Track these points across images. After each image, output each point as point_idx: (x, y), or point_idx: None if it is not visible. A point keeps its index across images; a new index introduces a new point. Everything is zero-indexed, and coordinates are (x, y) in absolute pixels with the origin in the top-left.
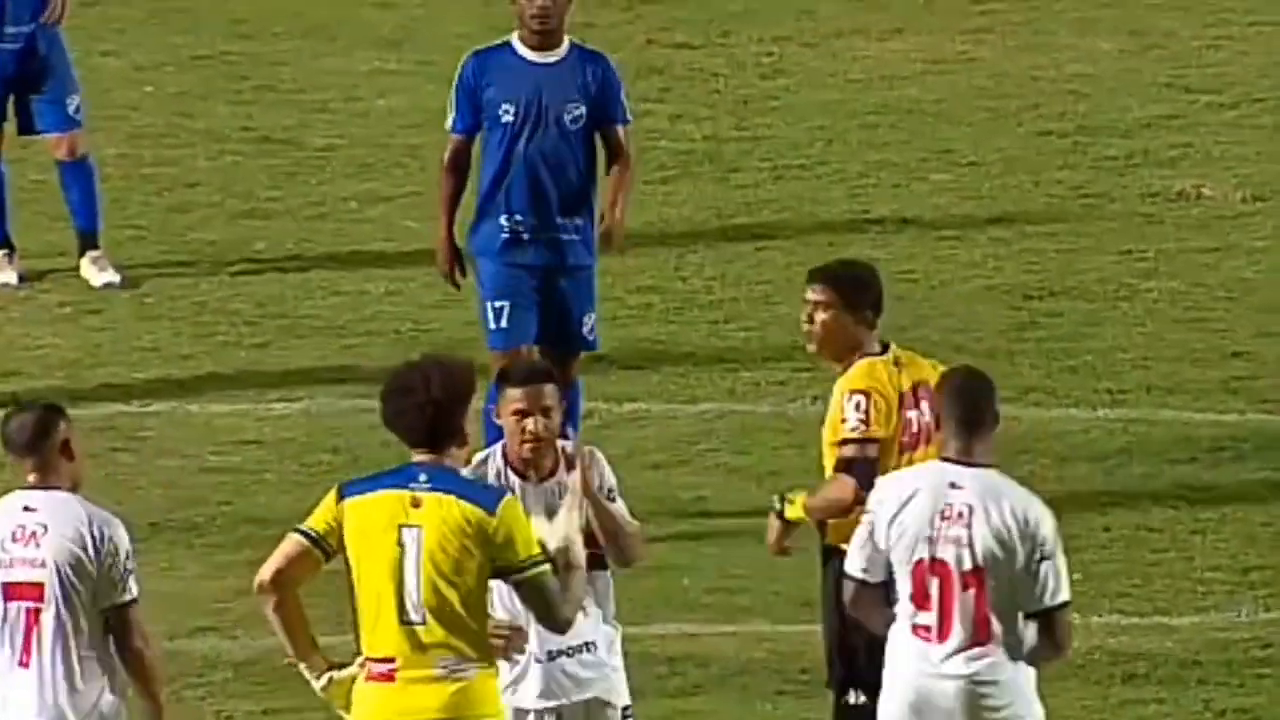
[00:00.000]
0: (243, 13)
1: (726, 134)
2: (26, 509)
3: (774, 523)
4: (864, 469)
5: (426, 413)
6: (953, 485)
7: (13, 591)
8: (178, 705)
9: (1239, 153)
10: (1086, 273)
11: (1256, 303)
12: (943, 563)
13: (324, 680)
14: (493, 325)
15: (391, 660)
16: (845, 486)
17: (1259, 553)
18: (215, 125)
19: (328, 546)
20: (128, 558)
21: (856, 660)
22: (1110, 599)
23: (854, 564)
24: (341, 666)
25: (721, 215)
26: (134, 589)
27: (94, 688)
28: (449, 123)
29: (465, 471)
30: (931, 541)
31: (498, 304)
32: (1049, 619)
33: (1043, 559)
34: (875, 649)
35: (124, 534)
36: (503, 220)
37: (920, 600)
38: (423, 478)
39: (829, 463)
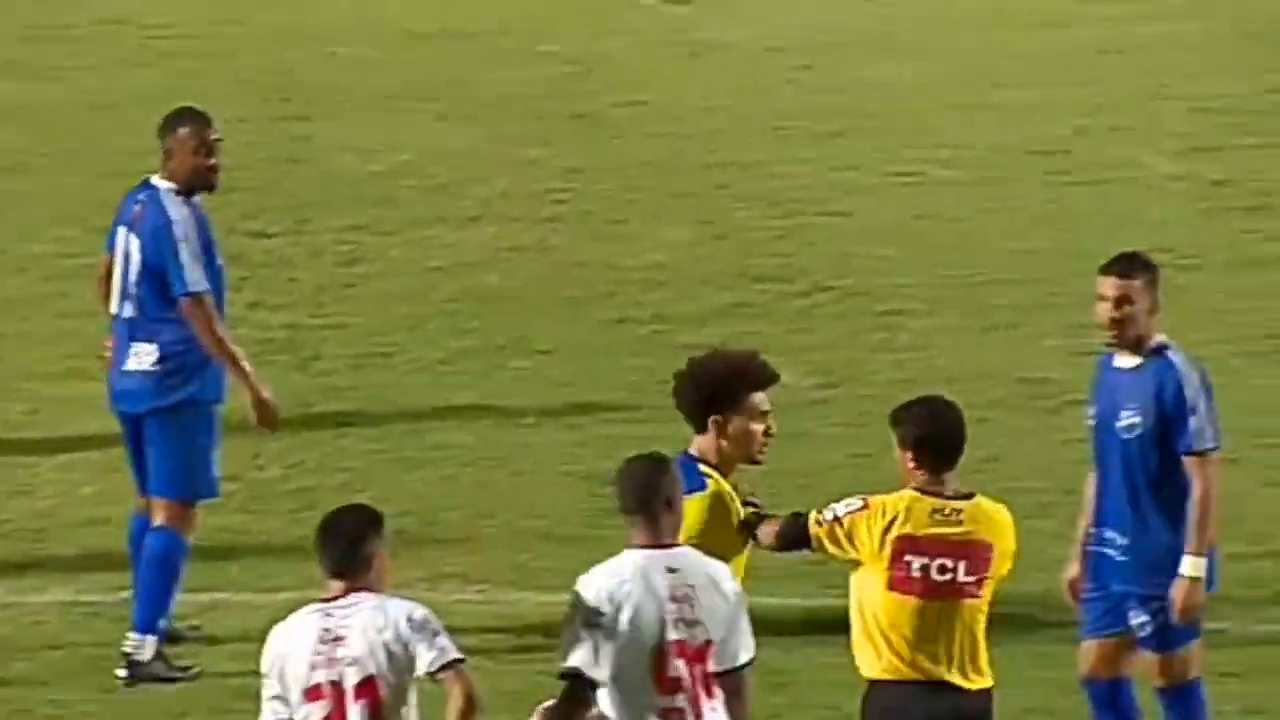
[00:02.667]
0: None
1: (305, 322)
2: None
3: None
4: None
5: (684, 398)
6: (669, 569)
7: None
8: None
9: (809, 341)
10: None
11: (834, 490)
12: (681, 643)
13: None
14: (216, 474)
15: None
16: None
17: None
18: None
19: None
20: None
21: None
22: None
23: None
24: None
25: (301, 403)
26: None
27: None
28: (200, 284)
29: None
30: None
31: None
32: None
33: (744, 615)
34: None
35: None
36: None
37: (668, 685)
38: None
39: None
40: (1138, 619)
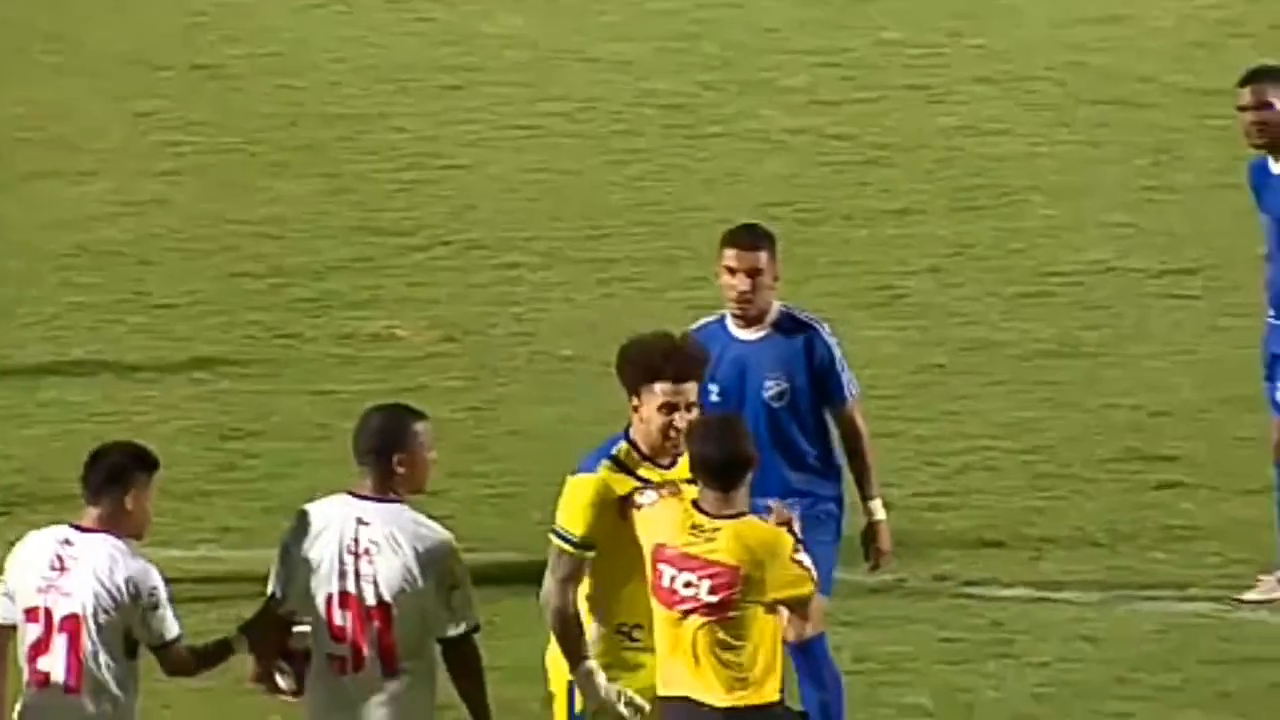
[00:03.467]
0: None
1: None
2: None
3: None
4: None
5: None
6: (361, 521)
7: None
8: None
9: (430, 294)
10: (283, 413)
11: (451, 443)
12: (349, 595)
13: None
14: None
15: None
16: None
17: None
18: None
19: None
20: None
21: None
22: None
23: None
24: None
25: None
26: None
27: None
28: None
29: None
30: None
31: None
32: (459, 642)
33: (453, 588)
34: None
35: None
36: None
37: (336, 633)
38: None
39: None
40: None
